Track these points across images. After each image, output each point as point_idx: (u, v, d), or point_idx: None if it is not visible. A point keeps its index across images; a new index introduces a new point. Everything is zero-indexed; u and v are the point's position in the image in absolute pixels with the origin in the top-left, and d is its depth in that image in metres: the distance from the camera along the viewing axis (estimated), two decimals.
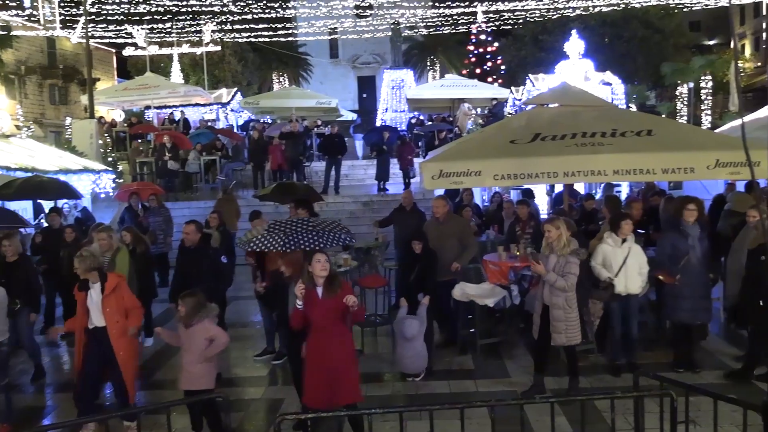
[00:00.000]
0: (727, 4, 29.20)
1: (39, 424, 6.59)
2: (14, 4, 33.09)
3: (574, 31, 22.59)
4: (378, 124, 26.29)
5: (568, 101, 8.06)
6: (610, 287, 6.89)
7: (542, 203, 13.54)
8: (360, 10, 36.34)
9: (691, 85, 25.83)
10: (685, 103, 25.88)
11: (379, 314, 9.16)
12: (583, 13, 31.20)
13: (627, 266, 6.88)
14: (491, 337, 8.21)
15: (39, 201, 12.41)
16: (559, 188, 12.48)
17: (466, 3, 31.96)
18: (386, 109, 28.27)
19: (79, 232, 9.51)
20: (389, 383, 7.34)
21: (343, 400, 5.27)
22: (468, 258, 8.41)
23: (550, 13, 31.75)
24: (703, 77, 25.79)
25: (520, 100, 24.55)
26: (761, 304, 6.50)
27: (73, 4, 31.90)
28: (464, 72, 31.14)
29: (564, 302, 6.27)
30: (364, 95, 45.31)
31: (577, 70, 20.74)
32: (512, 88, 26.94)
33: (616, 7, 30.61)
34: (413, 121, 24.56)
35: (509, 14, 32.34)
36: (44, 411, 7.03)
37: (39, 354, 7.98)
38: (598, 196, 12.10)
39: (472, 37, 31.74)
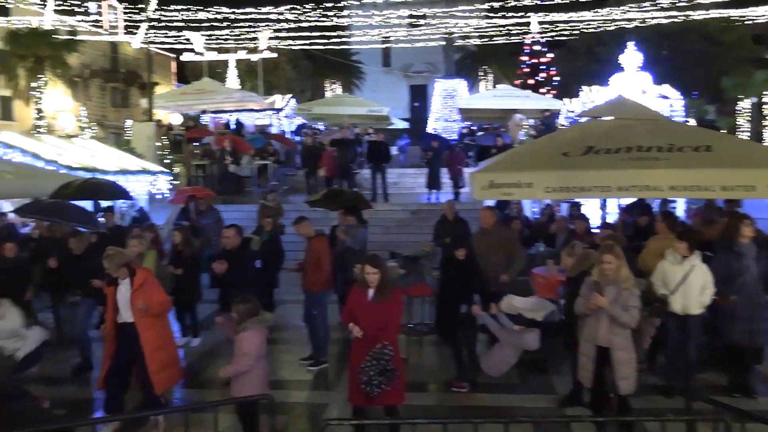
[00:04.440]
0: None
1: (87, 416, 6.77)
2: (80, 10, 34.32)
3: (630, 43, 22.18)
4: (429, 132, 26.27)
5: (624, 114, 7.91)
6: (664, 305, 6.70)
7: (593, 217, 13.29)
8: (414, 20, 36.42)
9: (754, 99, 25.00)
10: (747, 118, 25.07)
11: (425, 323, 9.17)
12: (641, 25, 30.58)
13: (687, 285, 6.61)
14: (537, 351, 8.09)
15: (98, 201, 12.82)
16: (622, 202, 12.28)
17: (521, 14, 31.69)
18: (437, 118, 28.24)
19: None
20: (433, 393, 7.32)
21: (384, 401, 5.45)
22: (516, 270, 8.33)
23: (606, 25, 31.22)
24: (765, 92, 24.95)
25: (573, 111, 24.19)
26: None
27: (136, 11, 32.86)
28: (517, 82, 30.86)
29: (625, 341, 5.65)
30: (416, 104, 45.33)
31: (633, 83, 20.34)
32: (565, 99, 26.55)
33: (675, 20, 29.91)
34: (464, 130, 24.47)
35: (564, 25, 31.95)
36: (93, 404, 7.22)
37: (89, 347, 8.22)
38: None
39: (526, 47, 31.45)
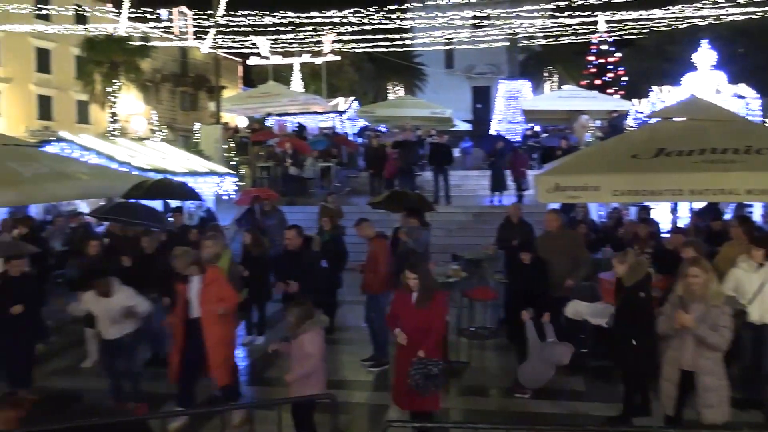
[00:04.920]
0: None
1: (162, 409, 6.98)
2: (153, 17, 35.57)
3: (704, 41, 21.40)
4: (492, 134, 26.02)
5: (697, 115, 7.63)
6: (741, 315, 6.40)
7: (664, 221, 12.86)
8: (477, 21, 36.14)
9: None
10: None
11: (486, 327, 9.07)
12: (715, 22, 29.45)
13: (765, 293, 6.32)
14: (604, 358, 7.88)
15: (168, 201, 13.22)
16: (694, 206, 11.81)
17: (588, 13, 31.01)
18: (501, 120, 27.93)
19: (203, 233, 10.04)
20: (495, 398, 7.23)
21: (422, 407, 5.57)
22: (581, 275, 8.15)
23: (678, 22, 30.20)
24: None
25: (642, 112, 23.51)
26: None
27: (205, 17, 33.82)
28: (583, 83, 30.21)
29: (714, 365, 5.05)
30: (479, 105, 44.96)
31: (707, 82, 19.61)
32: (634, 100, 25.82)
33: (752, 16, 28.67)
34: (528, 132, 24.12)
35: (633, 23, 31.09)
36: (164, 397, 7.43)
37: (164, 343, 8.49)
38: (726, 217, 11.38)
39: (593, 47, 30.74)
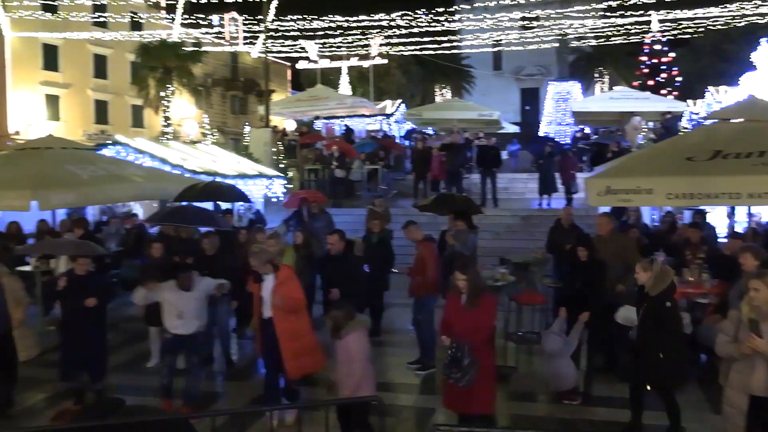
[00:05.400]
0: None
1: (211, 408, 7.11)
2: (205, 23, 36.34)
3: (763, 40, 20.69)
4: (541, 136, 25.75)
5: (756, 116, 7.40)
6: None
7: (720, 225, 12.49)
8: (526, 22, 35.79)
9: None
10: None
11: (535, 332, 8.95)
12: None
13: None
14: None
15: (218, 203, 13.47)
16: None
17: (640, 12, 30.35)
18: (550, 122, 27.58)
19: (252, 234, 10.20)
20: (543, 404, 7.13)
21: (473, 409, 5.55)
22: (633, 281, 7.95)
23: (736, 21, 29.29)
24: None
25: (697, 114, 22.87)
26: None
27: (255, 22, 34.41)
28: (635, 84, 29.56)
29: None
30: (527, 107, 44.51)
31: (766, 82, 18.96)
32: (688, 101, 25.15)
33: None
34: (578, 134, 23.74)
35: (688, 22, 30.29)
36: (215, 396, 7.58)
37: (229, 342, 8.68)
38: None
39: (645, 47, 30.07)
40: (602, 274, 7.21)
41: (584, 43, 36.08)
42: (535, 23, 34.93)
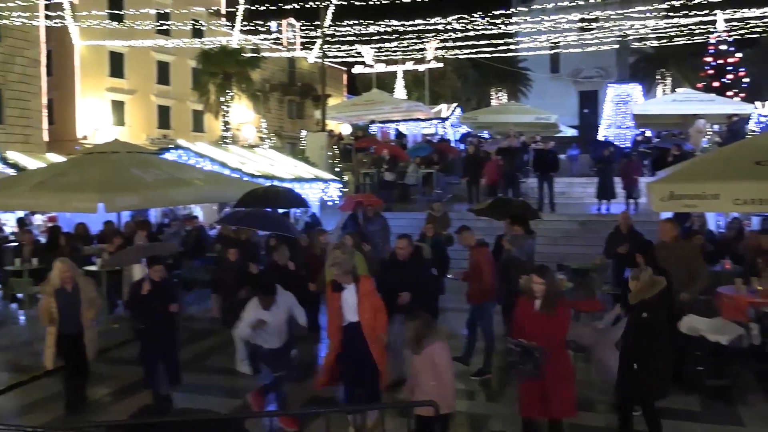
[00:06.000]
0: None
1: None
2: (263, 29, 37.05)
3: None
4: (600, 139, 25.20)
5: None
6: None
7: None
8: (585, 23, 35.15)
9: None
10: None
11: None
12: None
13: None
14: (721, 378, 7.41)
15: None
16: None
17: (705, 11, 29.42)
18: (609, 125, 27.00)
19: (311, 238, 10.30)
20: (601, 414, 6.96)
21: (555, 414, 5.42)
22: (698, 288, 7.70)
23: None
24: None
25: (766, 116, 22.02)
26: None
27: (312, 28, 34.88)
28: (699, 86, 28.66)
29: None
30: (585, 110, 43.70)
31: None
32: (756, 103, 24.26)
33: None
34: (639, 138, 23.15)
35: (756, 21, 29.19)
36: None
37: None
38: None
39: (710, 47, 29.13)
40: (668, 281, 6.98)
41: (645, 44, 35.22)
42: (594, 24, 34.29)
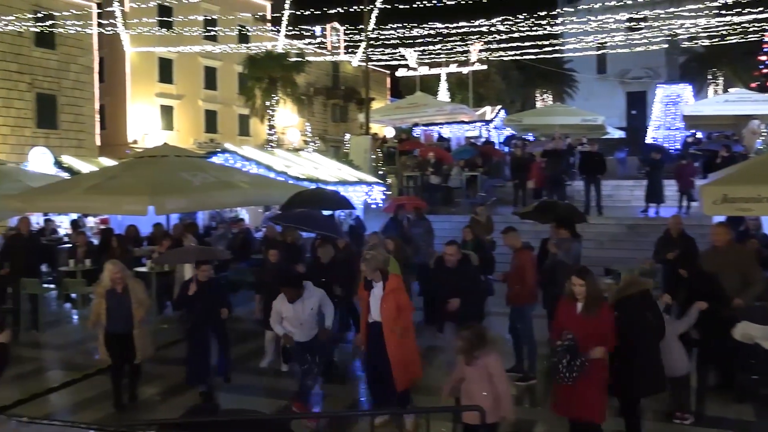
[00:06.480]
0: None
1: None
2: (308, 33, 37.46)
3: None
4: (648, 141, 24.70)
5: None
6: None
7: None
8: (633, 23, 34.48)
9: None
10: None
11: None
12: None
13: None
14: None
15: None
16: None
17: (759, 9, 28.53)
18: (658, 126, 26.41)
19: (353, 240, 10.35)
20: (652, 422, 6.78)
21: (584, 415, 5.44)
22: (752, 294, 7.44)
23: None
24: None
25: None
26: None
27: (356, 31, 35.08)
28: (753, 85, 27.80)
29: None
30: (633, 112, 42.83)
31: None
32: None
33: None
34: (689, 139, 22.57)
35: None
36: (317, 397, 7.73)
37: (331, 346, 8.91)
38: None
39: (765, 45, 28.24)
40: (710, 287, 6.78)
41: (696, 43, 34.34)
42: (642, 24, 33.61)
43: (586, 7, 34.25)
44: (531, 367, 8.12)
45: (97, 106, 30.28)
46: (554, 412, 5.77)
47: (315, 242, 10.87)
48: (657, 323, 5.92)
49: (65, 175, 16.37)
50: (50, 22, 26.40)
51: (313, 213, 10.66)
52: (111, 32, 29.75)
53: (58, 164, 17.60)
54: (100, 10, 29.88)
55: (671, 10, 32.50)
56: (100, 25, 29.54)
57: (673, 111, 25.91)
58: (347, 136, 29.10)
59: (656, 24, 31.85)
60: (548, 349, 7.30)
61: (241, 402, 7.20)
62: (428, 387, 7.24)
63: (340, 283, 8.40)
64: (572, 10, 39.19)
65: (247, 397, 7.55)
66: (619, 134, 29.84)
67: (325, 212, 12.80)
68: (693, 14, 31.59)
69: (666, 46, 30.39)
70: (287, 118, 35.91)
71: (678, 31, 30.53)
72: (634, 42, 33.77)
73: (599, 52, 39.00)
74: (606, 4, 30.99)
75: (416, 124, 26.61)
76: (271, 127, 31.52)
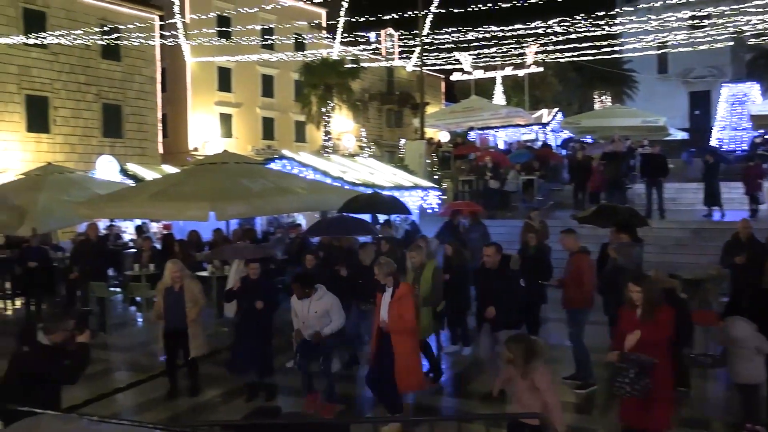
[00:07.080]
0: None
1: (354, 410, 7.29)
2: (362, 40, 37.72)
3: None
4: (713, 143, 23.90)
5: None
6: None
7: None
8: (696, 21, 33.44)
9: None
10: None
11: (709, 354, 8.27)
12: None
13: None
14: None
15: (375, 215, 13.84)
16: None
17: None
18: (723, 127, 25.52)
19: (395, 245, 10.39)
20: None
21: (650, 425, 5.33)
22: None
23: None
24: None
25: None
26: None
27: (410, 37, 35.14)
28: None
29: None
30: (696, 112, 41.51)
31: None
32: None
33: None
34: (757, 140, 21.71)
35: None
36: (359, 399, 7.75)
37: (361, 347, 8.94)
38: None
39: None
40: None
41: (764, 40, 33.02)
42: (706, 21, 32.56)
43: (646, 6, 33.37)
44: (588, 373, 7.95)
45: (159, 115, 31.25)
46: (619, 422, 5.68)
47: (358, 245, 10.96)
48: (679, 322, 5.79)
49: (130, 183, 16.92)
50: (116, 35, 27.40)
51: (345, 218, 10.83)
52: (172, 43, 30.64)
53: (124, 172, 18.21)
54: (162, 22, 30.81)
55: (737, 6, 31.37)
56: (162, 36, 30.47)
57: (739, 111, 24.99)
58: (402, 141, 29.13)
59: (721, 21, 30.78)
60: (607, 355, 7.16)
61: (293, 405, 7.32)
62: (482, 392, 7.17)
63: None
64: (631, 9, 38.25)
65: (298, 399, 7.60)
66: (681, 135, 28.96)
67: (381, 216, 12.89)
68: (760, 10, 30.41)
69: (731, 43, 29.34)
70: (343, 124, 36.24)
71: (744, 28, 29.42)
72: (698, 40, 32.74)
73: (660, 52, 37.94)
74: (667, 2, 30.16)
75: (471, 128, 26.45)
76: (327, 133, 31.84)
